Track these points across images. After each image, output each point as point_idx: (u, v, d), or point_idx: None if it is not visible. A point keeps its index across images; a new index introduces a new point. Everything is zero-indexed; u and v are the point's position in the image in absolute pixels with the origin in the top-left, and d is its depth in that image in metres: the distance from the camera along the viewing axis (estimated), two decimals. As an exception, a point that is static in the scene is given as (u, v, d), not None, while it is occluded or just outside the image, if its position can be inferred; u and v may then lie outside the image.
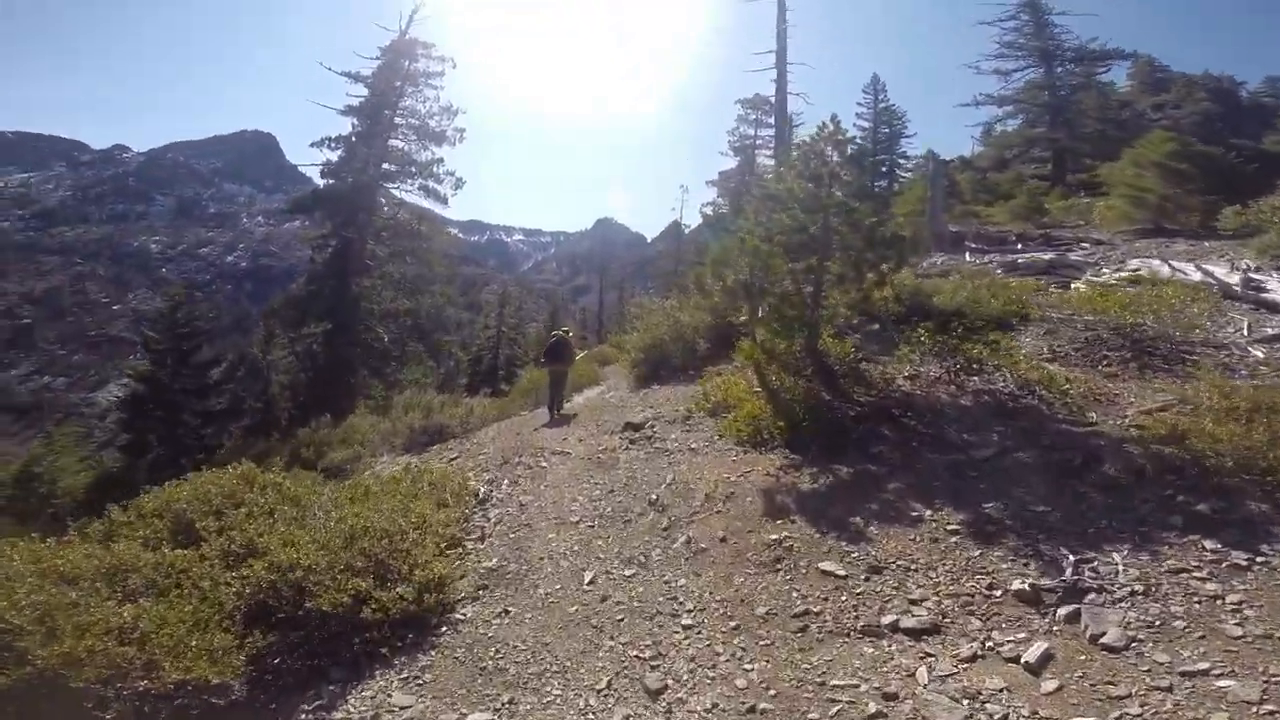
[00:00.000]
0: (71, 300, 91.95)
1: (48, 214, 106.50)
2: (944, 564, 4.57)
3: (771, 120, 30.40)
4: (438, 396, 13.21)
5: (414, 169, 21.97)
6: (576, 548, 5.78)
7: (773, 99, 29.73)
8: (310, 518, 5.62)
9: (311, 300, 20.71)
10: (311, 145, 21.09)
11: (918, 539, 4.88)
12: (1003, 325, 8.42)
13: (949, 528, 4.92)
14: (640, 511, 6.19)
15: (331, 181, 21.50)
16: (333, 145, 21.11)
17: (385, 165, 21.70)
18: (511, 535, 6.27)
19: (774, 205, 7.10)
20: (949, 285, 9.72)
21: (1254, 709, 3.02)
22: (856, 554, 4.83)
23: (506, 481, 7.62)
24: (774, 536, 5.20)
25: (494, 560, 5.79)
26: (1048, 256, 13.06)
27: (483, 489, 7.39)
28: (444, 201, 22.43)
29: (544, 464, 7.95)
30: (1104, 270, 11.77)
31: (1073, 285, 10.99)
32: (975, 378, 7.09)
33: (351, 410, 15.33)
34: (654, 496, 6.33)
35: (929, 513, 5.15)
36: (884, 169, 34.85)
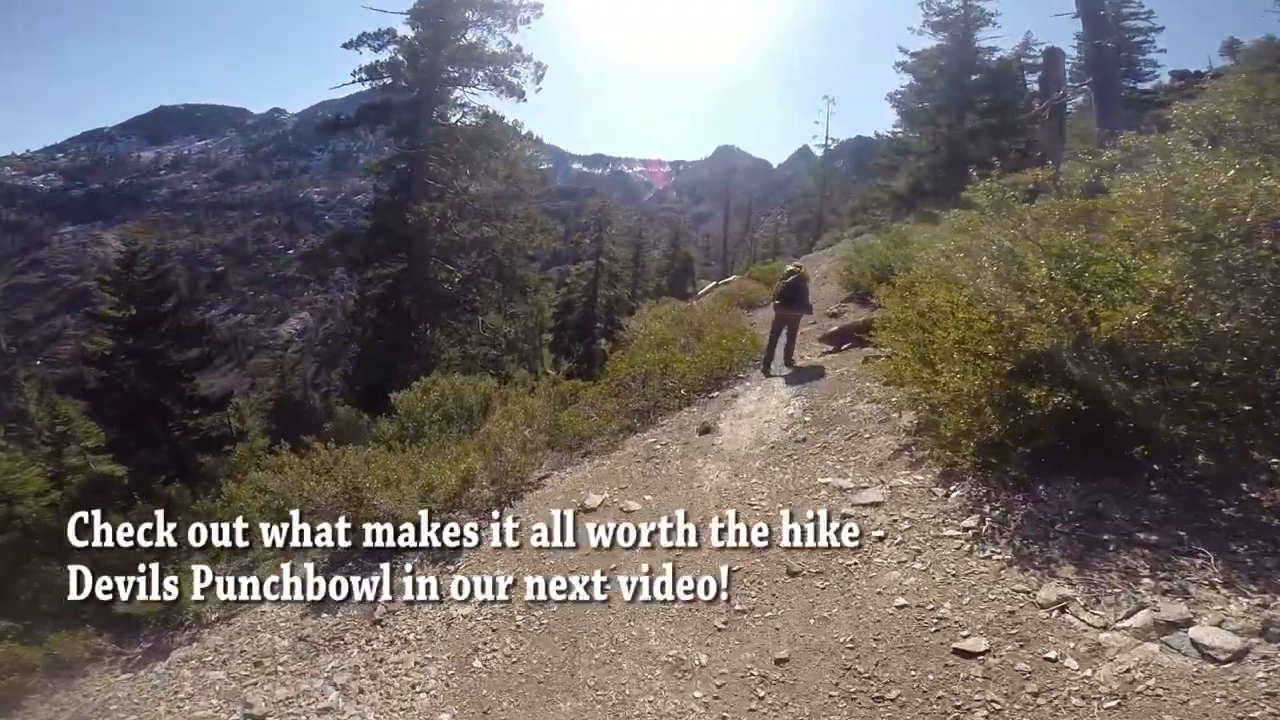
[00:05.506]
0: (254, 248, 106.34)
1: (227, 175, 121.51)
2: None
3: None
4: (469, 381, 8.56)
5: (483, 59, 17.07)
6: None
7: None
8: None
9: (372, 237, 16.94)
10: (344, 46, 16.56)
11: None
12: None
13: None
14: None
15: (383, 93, 17.16)
16: (375, 45, 16.46)
17: (450, 69, 17.08)
18: None
19: None
20: None
21: None
22: None
23: None
24: None
25: None
26: None
27: None
28: (520, 95, 17.33)
29: None
30: None
31: None
32: None
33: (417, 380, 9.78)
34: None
35: None
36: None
